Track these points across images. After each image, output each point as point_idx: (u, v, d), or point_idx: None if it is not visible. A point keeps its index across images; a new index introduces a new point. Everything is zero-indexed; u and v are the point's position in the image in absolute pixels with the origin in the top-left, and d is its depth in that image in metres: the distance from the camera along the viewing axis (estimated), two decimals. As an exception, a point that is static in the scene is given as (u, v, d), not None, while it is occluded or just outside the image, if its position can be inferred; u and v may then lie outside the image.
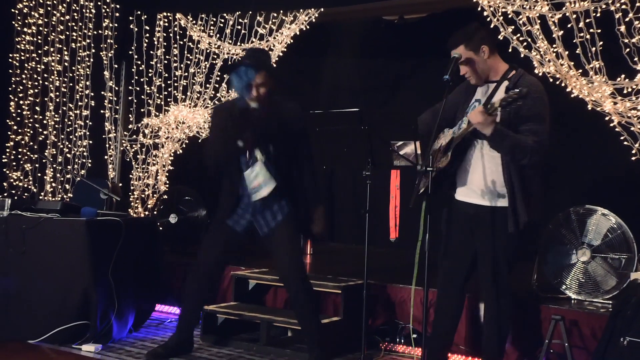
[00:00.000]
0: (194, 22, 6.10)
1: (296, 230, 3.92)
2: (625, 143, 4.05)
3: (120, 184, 6.22)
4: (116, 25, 6.29)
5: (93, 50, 6.33)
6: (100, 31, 6.30)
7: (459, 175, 3.47)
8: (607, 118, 4.11)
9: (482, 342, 3.55)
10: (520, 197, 3.29)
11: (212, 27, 6.01)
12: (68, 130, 6.39)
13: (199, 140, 5.98)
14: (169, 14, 6.19)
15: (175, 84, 6.16)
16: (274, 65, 4.03)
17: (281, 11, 5.73)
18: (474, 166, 3.41)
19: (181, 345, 4.04)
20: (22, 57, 6.47)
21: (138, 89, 6.24)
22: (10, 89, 6.49)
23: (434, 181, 3.26)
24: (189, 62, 6.09)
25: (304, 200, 3.91)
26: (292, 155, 3.85)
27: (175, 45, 6.13)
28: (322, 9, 5.61)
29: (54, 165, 6.36)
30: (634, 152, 4.01)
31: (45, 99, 6.44)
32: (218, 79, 6.00)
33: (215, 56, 6.02)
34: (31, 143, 6.49)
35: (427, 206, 3.37)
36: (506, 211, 3.32)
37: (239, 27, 5.89)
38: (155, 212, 6.09)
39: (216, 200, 4.04)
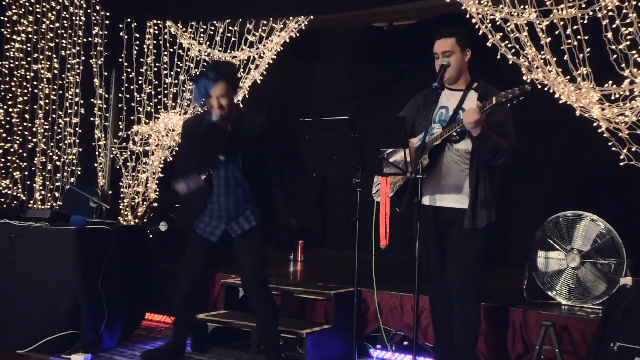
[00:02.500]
0: (184, 29, 6.10)
1: (263, 239, 3.97)
2: (614, 149, 4.07)
3: (110, 192, 6.20)
4: (106, 32, 6.29)
5: (83, 58, 6.32)
6: (90, 38, 6.29)
7: (428, 181, 3.52)
8: (595, 124, 4.13)
9: (455, 343, 3.56)
10: (483, 201, 3.43)
11: (202, 35, 6.01)
12: (57, 137, 6.37)
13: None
14: (159, 22, 6.18)
15: (165, 92, 6.15)
16: (237, 77, 4.19)
17: (271, 19, 5.74)
18: (445, 171, 3.51)
19: (175, 350, 4.11)
20: (12, 65, 6.45)
21: (128, 96, 6.23)
22: (-1, 96, 6.48)
23: (401, 188, 3.43)
24: (179, 70, 6.09)
25: (272, 210, 4.02)
26: (260, 165, 3.94)
27: (165, 53, 6.12)
28: (311, 17, 5.63)
29: (44, 173, 6.33)
30: (622, 157, 4.03)
31: (35, 106, 6.43)
32: (208, 86, 5.99)
33: (205, 63, 6.01)
34: (20, 151, 6.46)
35: (418, 214, 3.41)
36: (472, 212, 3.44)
37: (229, 34, 5.90)
38: (145, 220, 6.07)
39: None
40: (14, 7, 6.43)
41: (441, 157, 3.51)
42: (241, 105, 4.14)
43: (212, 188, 3.90)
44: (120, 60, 6.21)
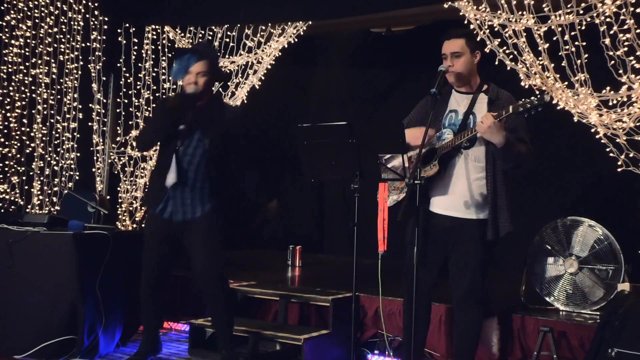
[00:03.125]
0: (183, 34, 6.10)
1: (217, 229, 3.86)
2: (611, 154, 4.08)
3: (108, 197, 6.18)
4: (104, 37, 6.29)
5: (81, 63, 6.32)
6: (88, 43, 6.29)
7: (437, 187, 3.48)
8: (593, 130, 4.14)
9: (455, 350, 3.56)
10: (503, 207, 3.38)
11: (200, 40, 6.02)
12: (55, 142, 6.36)
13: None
14: (157, 27, 6.19)
15: (164, 97, 6.15)
16: (219, 65, 4.14)
17: (269, 24, 5.74)
18: (457, 177, 3.44)
19: (151, 347, 4.08)
20: (10, 69, 6.44)
21: (126, 101, 6.23)
22: (-3, 101, 6.48)
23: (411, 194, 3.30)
24: (177, 75, 6.08)
25: (235, 198, 3.98)
26: (227, 155, 3.86)
27: (164, 58, 6.13)
28: (310, 22, 5.64)
29: (41, 178, 6.32)
30: (619, 163, 4.04)
31: (33, 111, 6.42)
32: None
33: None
34: (18, 155, 6.45)
35: (416, 220, 3.39)
36: (486, 222, 3.39)
37: (227, 39, 5.90)
38: (143, 225, 6.06)
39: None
40: (12, 11, 6.42)
41: (452, 164, 3.44)
42: (222, 97, 4.12)
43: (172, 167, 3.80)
44: (118, 65, 6.21)
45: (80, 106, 6.33)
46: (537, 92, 3.65)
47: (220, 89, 5.94)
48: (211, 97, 3.95)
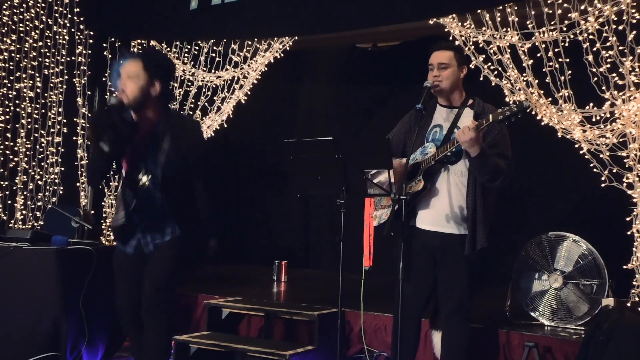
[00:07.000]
0: (168, 49, 6.10)
1: (178, 257, 3.45)
2: (595, 170, 4.11)
3: (92, 212, 6.14)
4: (90, 51, 6.28)
5: (66, 77, 6.30)
6: (73, 57, 6.27)
7: (421, 203, 3.48)
8: (576, 145, 4.18)
9: None
10: (481, 223, 3.37)
11: (186, 55, 6.02)
12: (40, 157, 6.32)
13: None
14: (143, 41, 6.18)
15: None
16: (165, 68, 3.49)
17: (255, 39, 5.76)
18: (440, 192, 3.45)
19: None
20: (-7, 83, 6.41)
21: (111, 115, 6.19)
22: (-20, 115, 6.42)
23: (396, 210, 3.29)
24: (162, 89, 6.06)
25: (198, 225, 3.53)
26: (186, 175, 3.44)
27: (149, 72, 6.10)
28: (296, 37, 5.66)
29: (25, 193, 6.27)
30: (603, 179, 4.07)
31: (17, 125, 6.38)
32: (192, 105, 6.00)
33: (189, 83, 6.01)
34: (1, 170, 6.39)
35: (401, 235, 3.38)
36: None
37: (214, 54, 5.91)
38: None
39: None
40: (-4, 25, 6.41)
41: (436, 180, 3.45)
42: (173, 107, 3.69)
43: (128, 192, 3.40)
44: (103, 79, 6.19)
45: (64, 120, 6.30)
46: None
47: (206, 104, 5.94)
48: (156, 109, 3.41)
